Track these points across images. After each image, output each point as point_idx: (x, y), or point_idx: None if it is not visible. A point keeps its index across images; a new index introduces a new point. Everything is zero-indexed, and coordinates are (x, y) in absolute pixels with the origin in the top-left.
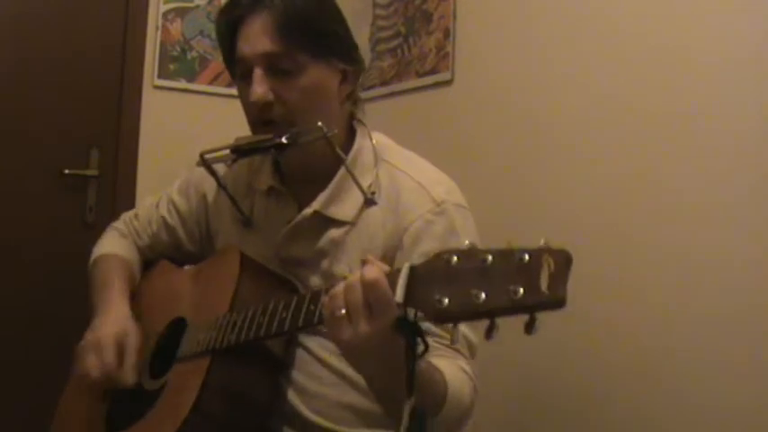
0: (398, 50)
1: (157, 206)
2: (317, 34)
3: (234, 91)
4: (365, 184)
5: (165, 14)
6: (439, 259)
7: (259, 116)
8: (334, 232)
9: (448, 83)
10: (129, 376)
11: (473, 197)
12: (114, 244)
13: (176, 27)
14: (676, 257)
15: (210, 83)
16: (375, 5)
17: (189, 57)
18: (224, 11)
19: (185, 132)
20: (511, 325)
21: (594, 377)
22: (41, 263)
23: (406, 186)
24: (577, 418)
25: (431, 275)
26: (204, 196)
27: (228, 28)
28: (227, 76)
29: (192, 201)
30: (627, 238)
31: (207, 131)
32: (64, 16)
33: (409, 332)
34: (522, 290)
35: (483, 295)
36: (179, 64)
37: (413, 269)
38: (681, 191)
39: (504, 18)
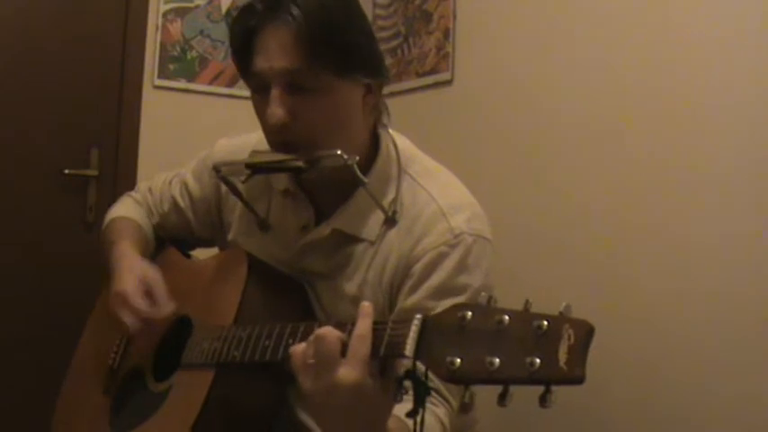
0: (398, 50)
1: (170, 184)
2: (341, 49)
3: (234, 91)
4: (387, 200)
5: (165, 14)
6: (452, 314)
7: (276, 138)
8: (352, 248)
9: (448, 83)
10: (166, 310)
11: (473, 196)
12: (130, 209)
13: (176, 27)
14: (677, 250)
15: (210, 83)
16: (375, 5)
17: (189, 57)
18: (238, 19)
19: (185, 132)
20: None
21: (596, 369)
22: (42, 263)
23: (426, 210)
24: (579, 412)
25: (443, 331)
26: (218, 186)
27: (243, 38)
28: (226, 76)
29: (206, 187)
30: (626, 235)
31: (207, 131)
32: (64, 16)
33: (419, 388)
34: (538, 361)
35: (497, 361)
36: (179, 64)
37: (425, 322)
38: (680, 187)
39: (504, 18)
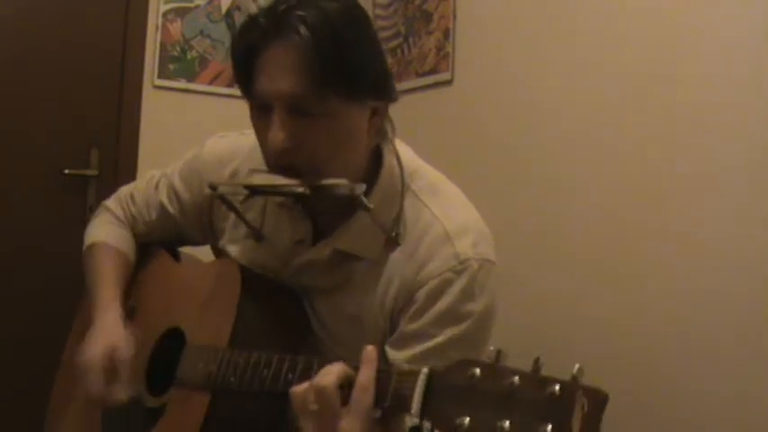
0: (398, 50)
1: (157, 187)
2: (350, 73)
3: (234, 91)
4: (389, 218)
5: (165, 14)
6: (460, 370)
7: (277, 161)
8: (353, 266)
9: (448, 83)
10: (120, 395)
11: (473, 197)
12: (109, 231)
13: (176, 27)
14: (678, 251)
15: (210, 83)
16: (375, 5)
17: (189, 57)
18: (241, 34)
19: (185, 132)
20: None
21: (596, 369)
22: (42, 263)
23: (430, 232)
24: None
25: (451, 388)
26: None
27: (246, 55)
28: (226, 76)
29: (195, 191)
30: (626, 235)
31: (207, 131)
32: (64, 16)
33: None
34: (550, 428)
35: (507, 425)
36: (179, 64)
37: (431, 377)
38: (681, 188)
39: (504, 18)
